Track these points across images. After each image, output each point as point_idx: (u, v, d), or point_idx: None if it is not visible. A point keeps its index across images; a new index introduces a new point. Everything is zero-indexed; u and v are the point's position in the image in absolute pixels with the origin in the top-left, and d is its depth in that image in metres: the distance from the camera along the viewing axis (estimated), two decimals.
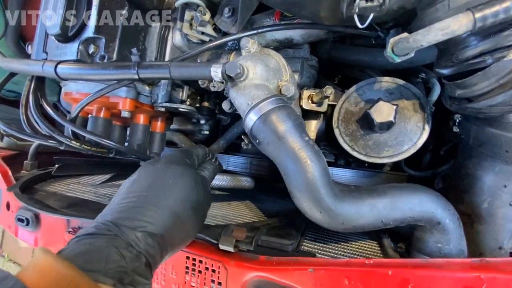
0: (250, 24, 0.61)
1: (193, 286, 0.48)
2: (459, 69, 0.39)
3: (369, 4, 0.36)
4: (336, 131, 0.57)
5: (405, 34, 0.37)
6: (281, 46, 0.65)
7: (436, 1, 0.36)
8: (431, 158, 0.82)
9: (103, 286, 0.28)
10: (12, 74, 0.63)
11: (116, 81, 0.51)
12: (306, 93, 0.64)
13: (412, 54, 0.39)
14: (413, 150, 0.51)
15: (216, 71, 0.43)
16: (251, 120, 0.44)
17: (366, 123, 0.52)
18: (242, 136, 0.50)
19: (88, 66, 0.49)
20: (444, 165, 0.75)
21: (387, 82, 0.55)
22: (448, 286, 0.36)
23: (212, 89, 0.45)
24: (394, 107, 0.48)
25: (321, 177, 0.41)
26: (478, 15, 0.30)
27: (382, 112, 0.48)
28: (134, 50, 0.48)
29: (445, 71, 0.41)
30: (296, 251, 0.47)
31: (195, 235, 0.44)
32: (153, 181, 0.40)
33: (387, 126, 0.49)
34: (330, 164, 0.79)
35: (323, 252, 0.51)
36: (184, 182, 0.41)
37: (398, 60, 0.40)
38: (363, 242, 0.57)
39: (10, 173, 0.78)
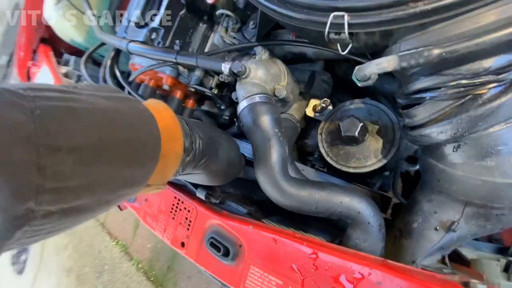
0: (274, 36, 0.75)
1: (173, 219, 0.64)
2: (410, 101, 0.47)
3: (337, 37, 0.46)
4: (319, 137, 0.67)
5: (359, 66, 0.47)
6: (297, 59, 0.78)
7: (394, 44, 0.45)
8: None
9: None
10: (103, 44, 0.88)
11: (162, 61, 0.70)
12: (312, 102, 0.76)
13: (371, 82, 0.48)
14: (376, 166, 0.59)
15: (225, 67, 0.59)
16: (241, 107, 0.58)
17: (337, 134, 0.61)
18: (235, 119, 0.65)
19: (146, 47, 0.69)
20: None
21: (370, 104, 0.63)
22: (343, 269, 0.44)
23: (220, 79, 0.60)
24: (360, 124, 0.56)
25: (279, 162, 0.53)
26: (402, 58, 0.39)
27: (348, 127, 0.57)
28: (177, 41, 0.66)
29: (401, 101, 0.49)
30: (250, 215, 0.60)
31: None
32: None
33: (352, 140, 0.58)
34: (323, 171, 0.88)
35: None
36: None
37: (359, 84, 0.49)
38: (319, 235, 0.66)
39: None
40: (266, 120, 0.55)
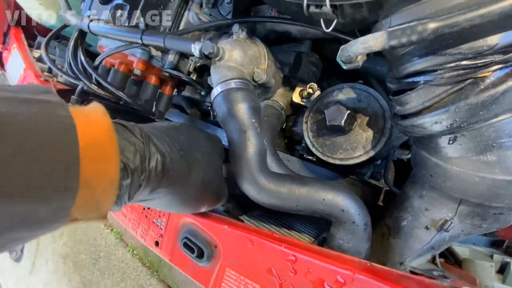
0: (254, 13, 0.67)
1: (146, 217, 0.60)
2: (401, 86, 0.41)
3: (318, 10, 0.39)
4: (304, 126, 0.62)
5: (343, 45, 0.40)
6: (281, 38, 0.70)
7: (384, 18, 0.38)
8: None
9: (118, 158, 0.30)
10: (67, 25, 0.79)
11: (128, 42, 0.62)
12: (298, 88, 0.69)
13: (358, 64, 0.42)
14: (364, 158, 0.54)
15: (195, 48, 0.52)
16: (215, 93, 0.52)
17: (324, 123, 0.55)
18: (209, 108, 0.58)
19: (109, 26, 0.61)
20: None
21: (359, 89, 0.57)
22: (324, 273, 0.41)
23: (191, 62, 0.53)
24: (347, 112, 0.51)
25: (256, 155, 0.48)
26: (391, 34, 0.32)
27: (334, 115, 0.51)
28: (141, 19, 0.58)
29: (391, 86, 0.43)
30: (228, 213, 0.55)
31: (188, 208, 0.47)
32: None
33: (338, 129, 0.53)
34: (311, 162, 0.83)
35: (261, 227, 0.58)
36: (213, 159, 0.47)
37: (345, 67, 0.43)
38: (304, 232, 0.62)
39: None
40: (241, 109, 0.49)
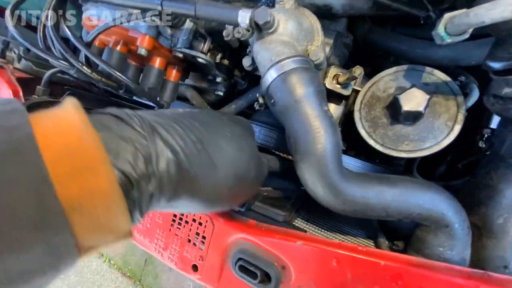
0: None
1: (177, 235, 0.47)
2: None
3: None
4: (357, 115, 0.53)
5: (463, 10, 0.32)
6: (318, 14, 0.60)
7: None
8: (445, 170, 0.78)
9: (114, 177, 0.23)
10: None
11: (139, 11, 0.47)
12: (333, 71, 0.60)
13: (467, 36, 0.34)
14: (435, 149, 0.48)
15: (244, 16, 0.40)
16: (270, 77, 0.41)
17: (392, 110, 0.48)
18: (257, 95, 0.47)
19: None
20: (458, 179, 0.70)
21: (424, 72, 0.50)
22: None
23: (237, 35, 0.41)
24: (427, 97, 0.43)
25: (332, 151, 0.38)
26: None
27: (413, 100, 0.44)
28: None
29: (498, 65, 0.36)
30: (288, 223, 0.45)
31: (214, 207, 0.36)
32: (212, 121, 0.35)
33: (414, 117, 0.45)
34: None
35: (313, 233, 0.49)
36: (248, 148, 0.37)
37: (448, 40, 0.35)
38: (358, 234, 0.54)
39: (21, 93, 0.78)
40: (309, 95, 0.39)
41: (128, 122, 0.27)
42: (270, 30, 0.42)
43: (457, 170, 0.74)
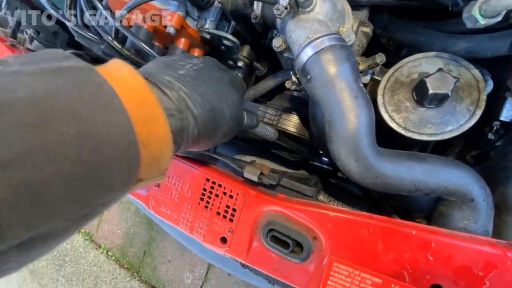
0: None
1: (206, 209, 0.48)
2: None
3: None
4: (380, 99, 0.55)
5: None
6: None
7: None
8: None
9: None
10: None
11: None
12: None
13: (499, 18, 0.36)
14: (456, 133, 0.49)
15: None
16: (306, 54, 0.42)
17: (418, 93, 0.49)
18: (291, 72, 0.48)
19: None
20: None
21: (447, 58, 0.52)
22: (469, 257, 0.35)
23: (276, 12, 0.42)
24: (454, 80, 0.45)
25: (367, 126, 0.40)
26: None
27: (440, 82, 0.46)
28: None
29: None
30: (317, 198, 0.47)
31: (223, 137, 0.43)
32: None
33: (440, 99, 0.47)
34: None
35: None
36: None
37: (482, 21, 0.37)
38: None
39: None
40: (345, 71, 0.41)
41: (165, 91, 0.33)
42: (308, 9, 0.43)
43: (466, 162, 0.77)
